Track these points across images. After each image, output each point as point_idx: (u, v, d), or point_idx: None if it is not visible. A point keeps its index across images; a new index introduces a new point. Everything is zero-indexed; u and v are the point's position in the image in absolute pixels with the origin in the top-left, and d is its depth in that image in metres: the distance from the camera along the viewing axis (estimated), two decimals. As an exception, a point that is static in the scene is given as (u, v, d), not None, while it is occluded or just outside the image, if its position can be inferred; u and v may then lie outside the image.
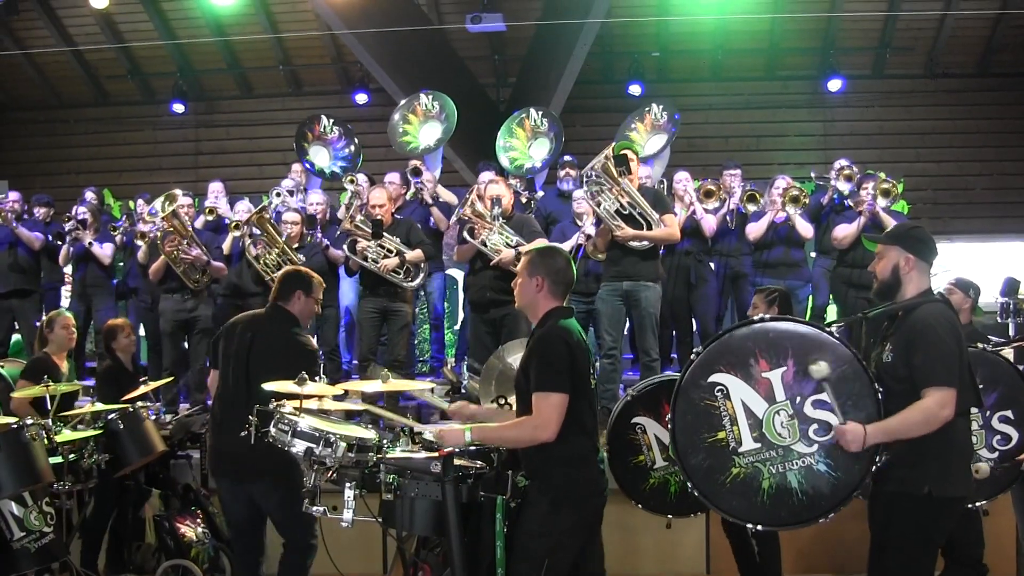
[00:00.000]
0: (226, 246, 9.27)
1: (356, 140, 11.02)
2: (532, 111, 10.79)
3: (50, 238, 10.14)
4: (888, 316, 4.52)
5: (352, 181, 9.89)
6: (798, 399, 4.33)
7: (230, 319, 5.91)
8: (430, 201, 9.68)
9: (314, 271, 8.58)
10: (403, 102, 10.85)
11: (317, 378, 5.27)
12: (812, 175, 10.66)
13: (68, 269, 10.48)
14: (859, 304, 8.52)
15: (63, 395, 6.62)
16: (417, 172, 9.84)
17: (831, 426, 4.28)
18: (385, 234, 8.37)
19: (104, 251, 9.92)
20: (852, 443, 4.21)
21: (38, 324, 7.67)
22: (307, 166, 10.90)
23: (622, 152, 7.89)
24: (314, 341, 9.59)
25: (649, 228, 7.76)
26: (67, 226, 9.85)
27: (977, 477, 4.86)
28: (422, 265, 8.54)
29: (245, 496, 5.58)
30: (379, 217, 8.41)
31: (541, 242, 7.64)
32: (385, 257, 8.35)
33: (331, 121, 11.01)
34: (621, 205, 7.74)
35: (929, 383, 4.18)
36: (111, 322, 7.91)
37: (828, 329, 4.45)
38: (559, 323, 4.49)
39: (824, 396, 4.30)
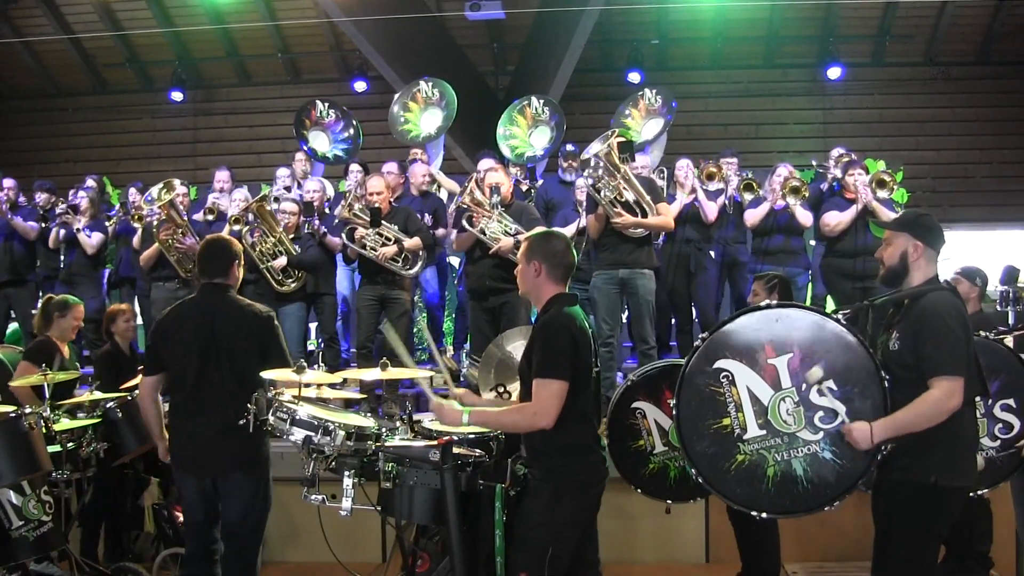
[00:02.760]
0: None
1: (355, 122, 10.99)
2: (533, 99, 10.75)
3: (46, 226, 10.10)
4: (894, 304, 4.49)
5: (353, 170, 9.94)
6: (804, 386, 4.32)
7: (161, 320, 5.54)
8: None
9: (311, 262, 8.65)
10: (402, 91, 10.82)
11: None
12: (813, 163, 10.63)
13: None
14: (853, 293, 8.51)
15: (63, 382, 6.60)
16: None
17: (837, 413, 4.27)
18: (383, 222, 8.34)
19: (91, 240, 9.84)
20: (860, 442, 4.21)
21: (43, 305, 7.52)
22: (309, 152, 10.88)
23: (626, 140, 7.89)
24: (313, 328, 9.67)
25: (645, 216, 7.76)
26: (58, 209, 9.83)
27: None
28: (420, 253, 8.52)
29: (211, 494, 5.29)
30: (377, 205, 8.39)
31: (540, 230, 7.62)
32: (383, 245, 8.33)
33: (327, 105, 11.00)
34: (620, 193, 7.73)
35: (937, 372, 4.15)
36: (113, 307, 7.92)
37: (835, 316, 4.43)
38: (563, 310, 4.45)
39: (831, 384, 4.29)
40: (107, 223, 10.18)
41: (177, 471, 5.39)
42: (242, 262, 5.55)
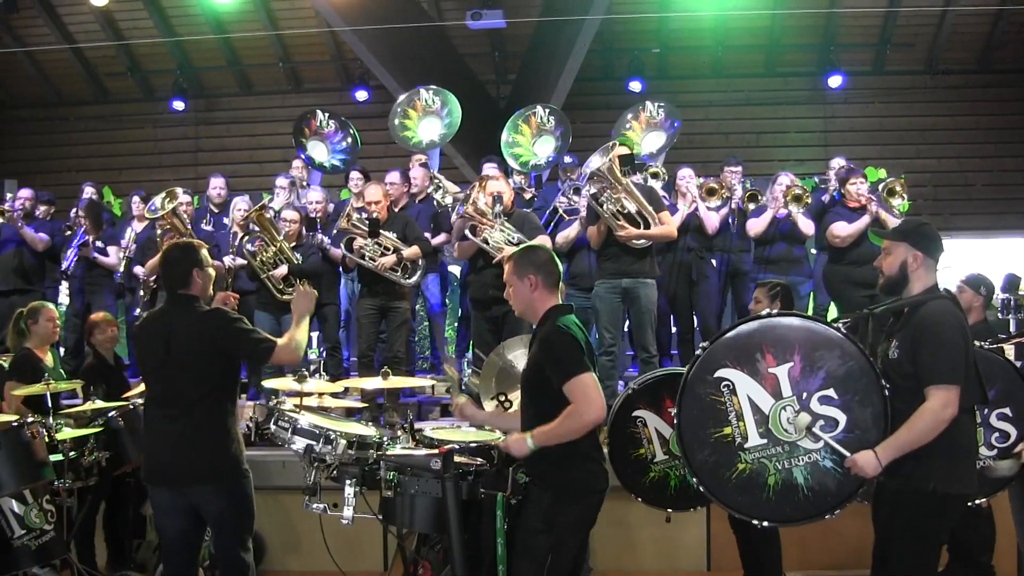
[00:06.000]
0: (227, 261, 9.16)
1: (353, 131, 11.01)
2: (539, 108, 10.74)
3: (56, 240, 10.11)
4: (894, 312, 4.51)
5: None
6: (804, 395, 4.34)
7: (134, 331, 5.49)
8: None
9: (312, 270, 8.62)
10: (400, 99, 10.82)
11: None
12: (816, 179, 10.64)
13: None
14: (860, 301, 8.51)
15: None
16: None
17: (838, 422, 4.29)
18: (382, 231, 8.34)
19: (110, 260, 9.93)
20: (868, 471, 4.23)
21: (14, 320, 7.48)
22: (307, 161, 10.89)
23: (628, 153, 7.92)
24: (315, 337, 9.65)
25: (648, 226, 7.77)
26: (73, 243, 9.82)
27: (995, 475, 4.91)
28: (419, 262, 8.52)
29: (185, 506, 5.10)
30: (375, 215, 8.38)
31: (542, 239, 7.65)
32: (382, 255, 8.33)
33: (326, 115, 11.04)
34: (622, 205, 7.75)
35: (933, 381, 4.16)
36: (91, 317, 7.91)
37: (835, 325, 4.45)
38: (559, 320, 4.46)
39: (831, 392, 4.31)
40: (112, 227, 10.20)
41: (148, 483, 5.22)
42: (205, 267, 5.26)
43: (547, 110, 10.76)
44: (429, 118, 10.67)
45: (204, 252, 5.32)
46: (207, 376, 5.03)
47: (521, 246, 5.08)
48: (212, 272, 5.33)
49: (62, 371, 7.75)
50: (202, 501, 5.06)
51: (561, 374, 4.33)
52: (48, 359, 7.35)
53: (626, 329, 8.78)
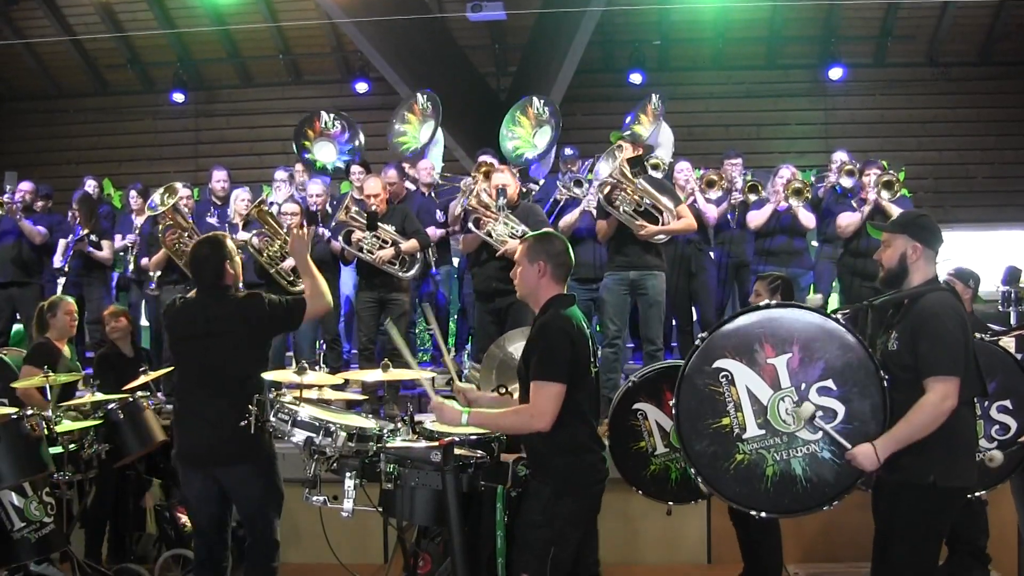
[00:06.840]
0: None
1: (360, 132, 10.97)
2: (535, 99, 10.77)
3: (55, 234, 10.10)
4: (894, 304, 4.50)
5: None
6: (803, 386, 4.32)
7: (165, 317, 5.61)
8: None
9: (319, 261, 8.58)
10: (398, 107, 10.84)
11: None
12: (812, 178, 10.65)
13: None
14: (864, 293, 8.51)
15: (64, 383, 6.61)
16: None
17: (836, 413, 4.28)
18: (380, 224, 8.32)
19: (104, 253, 9.92)
20: (867, 465, 4.22)
21: (37, 312, 7.59)
22: (308, 164, 10.85)
23: (635, 155, 7.93)
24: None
25: (664, 219, 7.80)
26: (69, 240, 9.80)
27: (991, 466, 4.88)
28: (418, 255, 8.52)
29: (216, 490, 5.27)
30: (374, 208, 8.37)
31: (539, 231, 7.64)
32: (380, 248, 8.32)
33: (332, 116, 10.96)
34: (638, 204, 7.75)
35: (933, 372, 4.15)
36: (107, 310, 8.04)
37: (834, 316, 4.44)
38: (561, 312, 4.45)
39: (830, 384, 4.30)
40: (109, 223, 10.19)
41: (185, 466, 5.36)
42: (235, 257, 5.41)
43: (541, 100, 10.79)
44: (428, 123, 10.68)
45: (230, 243, 5.47)
46: (246, 358, 5.18)
47: (540, 231, 5.10)
48: (239, 260, 5.49)
49: (78, 364, 7.79)
50: (238, 483, 5.22)
51: (537, 371, 4.34)
52: (66, 351, 7.41)
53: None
